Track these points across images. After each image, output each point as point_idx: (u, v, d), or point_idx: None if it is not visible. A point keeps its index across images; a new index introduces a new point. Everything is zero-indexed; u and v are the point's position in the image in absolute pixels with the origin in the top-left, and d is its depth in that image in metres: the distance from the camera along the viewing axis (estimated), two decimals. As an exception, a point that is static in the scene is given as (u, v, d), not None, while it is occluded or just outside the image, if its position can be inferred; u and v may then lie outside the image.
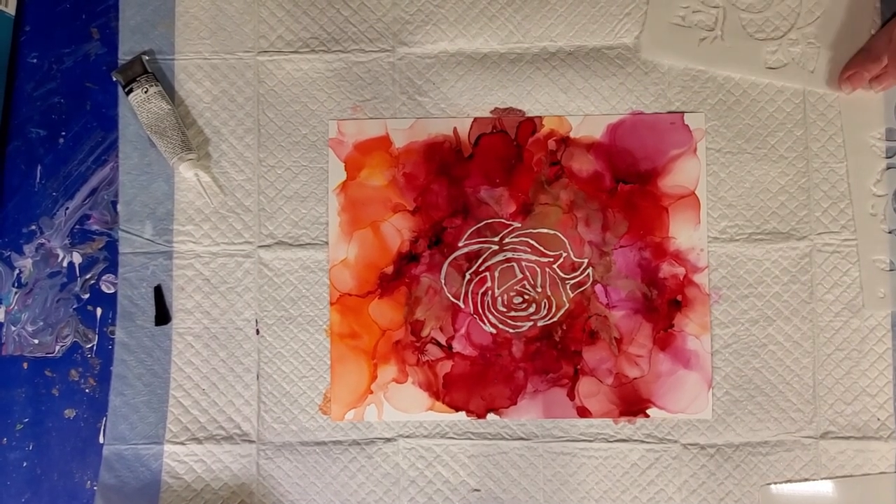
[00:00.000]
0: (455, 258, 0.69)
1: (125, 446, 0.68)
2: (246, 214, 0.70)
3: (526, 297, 0.69)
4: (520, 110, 0.70)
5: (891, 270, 0.68)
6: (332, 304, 0.69)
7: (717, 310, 0.68)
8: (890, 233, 0.68)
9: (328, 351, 0.69)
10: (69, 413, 0.69)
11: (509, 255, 0.69)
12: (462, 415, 0.68)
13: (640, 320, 0.69)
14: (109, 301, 0.70)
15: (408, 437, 0.68)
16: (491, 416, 0.68)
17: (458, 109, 0.70)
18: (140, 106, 0.68)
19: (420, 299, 0.69)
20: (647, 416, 0.68)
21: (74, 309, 0.70)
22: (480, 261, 0.69)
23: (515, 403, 0.68)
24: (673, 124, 0.69)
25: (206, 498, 0.68)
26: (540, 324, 0.69)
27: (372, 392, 0.69)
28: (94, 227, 0.71)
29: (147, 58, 0.70)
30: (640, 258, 0.69)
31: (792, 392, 0.68)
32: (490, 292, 0.69)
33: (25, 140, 0.72)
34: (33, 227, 0.71)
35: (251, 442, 0.69)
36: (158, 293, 0.69)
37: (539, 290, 0.69)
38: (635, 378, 0.68)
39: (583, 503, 0.67)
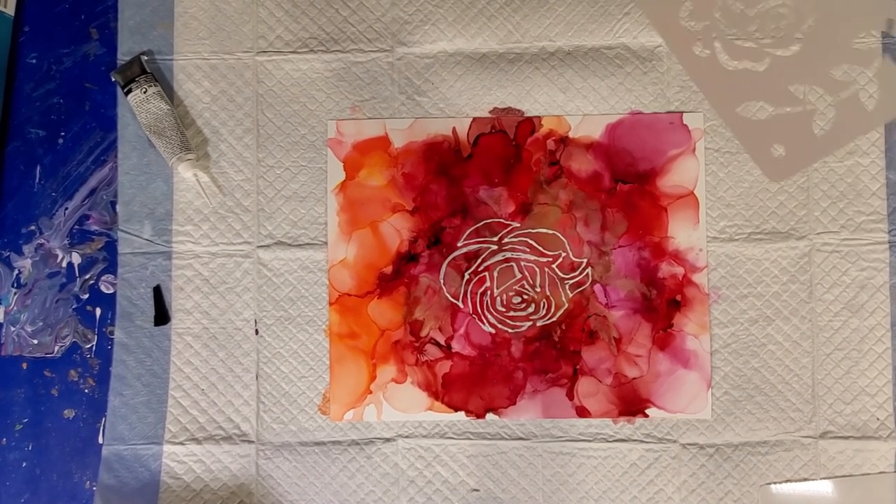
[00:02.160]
0: (454, 258, 0.69)
1: (124, 446, 0.68)
2: (245, 214, 0.70)
3: (525, 297, 0.69)
4: (518, 110, 0.70)
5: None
6: (331, 304, 0.69)
7: (716, 309, 0.68)
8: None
9: (327, 351, 0.69)
10: (68, 413, 0.69)
11: (508, 254, 0.69)
12: (461, 415, 0.68)
13: (640, 320, 0.68)
14: (108, 301, 0.70)
15: (407, 437, 0.68)
16: (490, 416, 0.68)
17: (457, 109, 0.70)
18: (139, 106, 0.68)
19: (419, 299, 0.69)
20: (647, 415, 0.68)
21: (74, 309, 0.70)
22: (479, 261, 0.69)
23: (514, 403, 0.68)
24: (672, 124, 0.69)
25: (206, 498, 0.68)
26: (539, 324, 0.69)
27: (371, 392, 0.69)
28: (94, 228, 0.71)
29: (146, 58, 0.70)
30: (639, 258, 0.69)
31: (791, 392, 0.68)
32: (489, 292, 0.69)
33: (25, 140, 0.72)
34: (32, 228, 0.71)
35: (250, 442, 0.69)
36: (157, 293, 0.69)
37: (538, 289, 0.69)
38: (634, 378, 0.68)
39: (582, 503, 0.67)
